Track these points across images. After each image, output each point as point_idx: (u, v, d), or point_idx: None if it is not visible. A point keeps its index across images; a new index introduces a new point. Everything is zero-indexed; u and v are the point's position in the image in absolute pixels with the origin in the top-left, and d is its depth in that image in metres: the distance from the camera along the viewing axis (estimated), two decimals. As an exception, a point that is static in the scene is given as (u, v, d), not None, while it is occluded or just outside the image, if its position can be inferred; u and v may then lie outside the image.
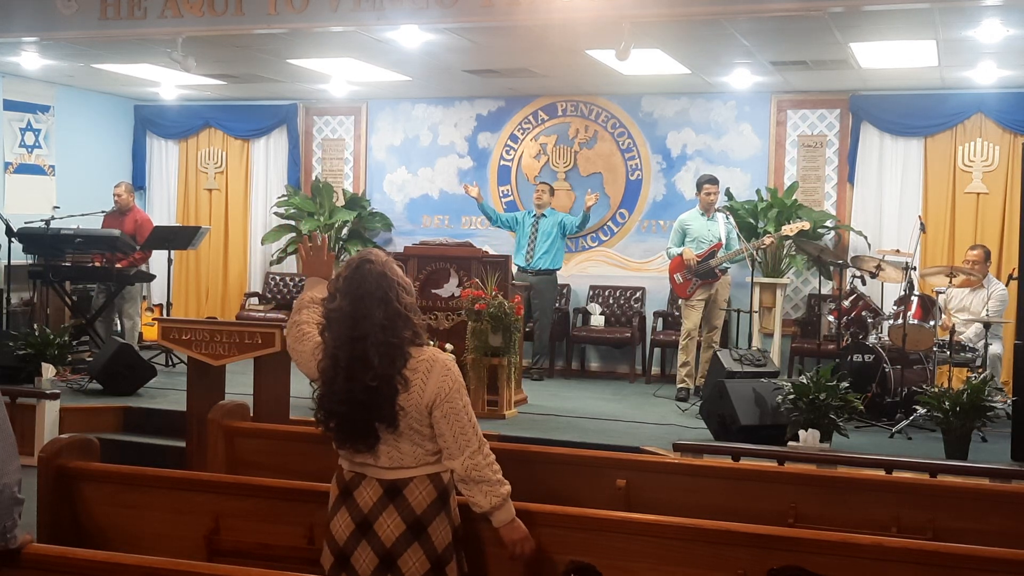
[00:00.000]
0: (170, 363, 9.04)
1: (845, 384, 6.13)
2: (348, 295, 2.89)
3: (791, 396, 6.06)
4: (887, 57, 7.99)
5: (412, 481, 2.90)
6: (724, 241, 8.27)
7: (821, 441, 5.88)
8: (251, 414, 4.78)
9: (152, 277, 9.69)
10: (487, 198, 10.54)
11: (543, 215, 9.28)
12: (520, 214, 9.54)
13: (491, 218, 9.39)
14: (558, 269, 9.34)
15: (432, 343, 7.25)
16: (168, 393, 7.79)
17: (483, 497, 2.92)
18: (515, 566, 3.03)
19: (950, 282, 7.57)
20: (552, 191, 9.55)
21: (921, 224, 8.32)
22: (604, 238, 10.30)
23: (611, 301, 10.08)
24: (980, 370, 7.35)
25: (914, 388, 6.98)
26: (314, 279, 3.29)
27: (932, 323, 7.41)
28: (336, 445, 2.95)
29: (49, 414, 6.99)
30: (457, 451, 2.90)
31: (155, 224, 9.83)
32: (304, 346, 3.09)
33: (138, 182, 11.59)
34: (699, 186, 8.50)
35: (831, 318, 8.00)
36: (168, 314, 10.06)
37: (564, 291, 10.20)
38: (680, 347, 8.37)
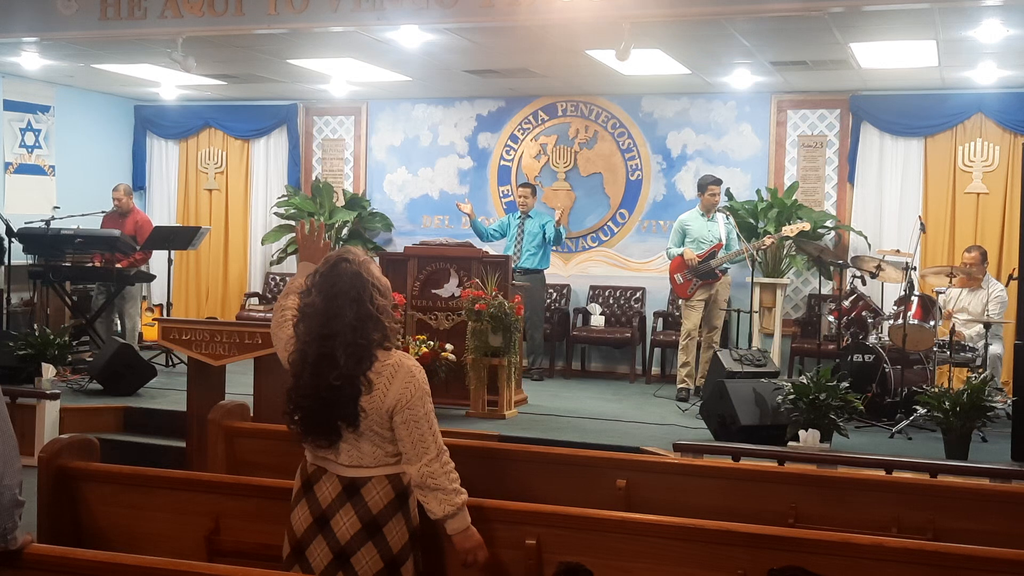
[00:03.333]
0: (170, 363, 9.04)
1: (845, 384, 6.13)
2: (322, 292, 2.91)
3: (791, 396, 6.06)
4: (887, 57, 7.99)
5: (370, 480, 2.91)
6: (724, 241, 8.27)
7: (821, 441, 5.88)
8: (251, 414, 4.78)
9: (152, 277, 9.69)
10: (487, 199, 10.57)
11: (528, 216, 9.29)
12: (506, 218, 9.54)
13: (482, 234, 9.31)
14: (546, 268, 9.33)
15: (432, 344, 7.26)
16: (168, 393, 7.79)
17: (437, 505, 2.93)
18: (472, 569, 3.03)
19: (950, 282, 7.57)
20: (535, 192, 9.54)
21: (921, 224, 8.32)
22: (604, 238, 10.30)
23: (611, 301, 10.08)
24: (980, 370, 7.36)
25: (914, 388, 6.98)
26: (306, 264, 3.28)
27: (932, 323, 7.41)
28: (299, 439, 2.98)
29: (49, 414, 7.00)
30: (415, 457, 2.90)
31: (155, 224, 9.83)
32: (282, 333, 3.13)
33: (138, 182, 11.60)
34: (704, 187, 8.45)
35: (831, 318, 8.00)
36: (168, 314, 10.06)
37: (564, 291, 10.21)
38: (680, 347, 8.37)
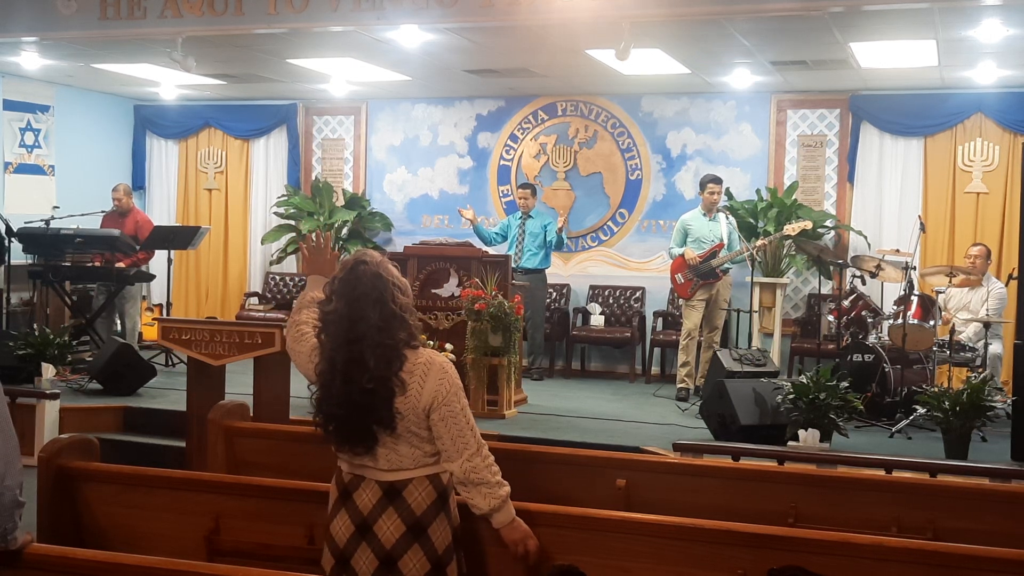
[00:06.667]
0: (170, 363, 9.04)
1: (845, 384, 6.13)
2: (344, 297, 2.88)
3: (791, 396, 6.06)
4: (887, 57, 7.99)
5: (411, 482, 2.89)
6: (726, 241, 8.27)
7: (821, 441, 5.88)
8: (251, 414, 4.78)
9: (152, 277, 9.68)
10: (487, 199, 10.57)
11: (529, 216, 9.30)
12: (507, 219, 9.54)
13: (485, 239, 9.25)
14: (547, 268, 9.33)
15: (432, 344, 7.27)
16: (168, 393, 7.78)
17: (482, 499, 2.91)
18: (516, 566, 3.02)
19: (950, 282, 7.57)
20: (535, 192, 9.55)
21: (921, 224, 8.32)
22: (604, 238, 10.31)
23: (611, 301, 10.08)
24: (980, 370, 7.35)
25: (914, 388, 6.98)
26: (316, 278, 3.27)
27: (932, 323, 7.41)
28: (335, 448, 2.95)
29: (49, 414, 6.99)
30: (455, 453, 2.89)
31: (155, 224, 9.83)
32: (302, 347, 3.08)
33: (138, 182, 11.60)
34: (703, 185, 8.48)
35: (831, 318, 8.00)
36: (168, 314, 10.06)
37: (564, 291, 10.21)
38: (680, 347, 8.37)
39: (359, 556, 2.87)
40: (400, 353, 2.87)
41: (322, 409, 2.91)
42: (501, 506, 2.93)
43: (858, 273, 7.92)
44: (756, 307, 8.99)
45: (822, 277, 8.77)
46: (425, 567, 2.85)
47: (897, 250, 8.27)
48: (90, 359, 8.50)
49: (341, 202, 10.84)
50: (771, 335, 9.29)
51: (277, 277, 11.09)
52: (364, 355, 2.83)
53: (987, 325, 7.48)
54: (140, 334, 9.73)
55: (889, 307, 8.01)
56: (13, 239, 8.83)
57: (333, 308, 2.89)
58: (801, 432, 5.91)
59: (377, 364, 2.83)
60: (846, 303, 7.87)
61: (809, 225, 8.52)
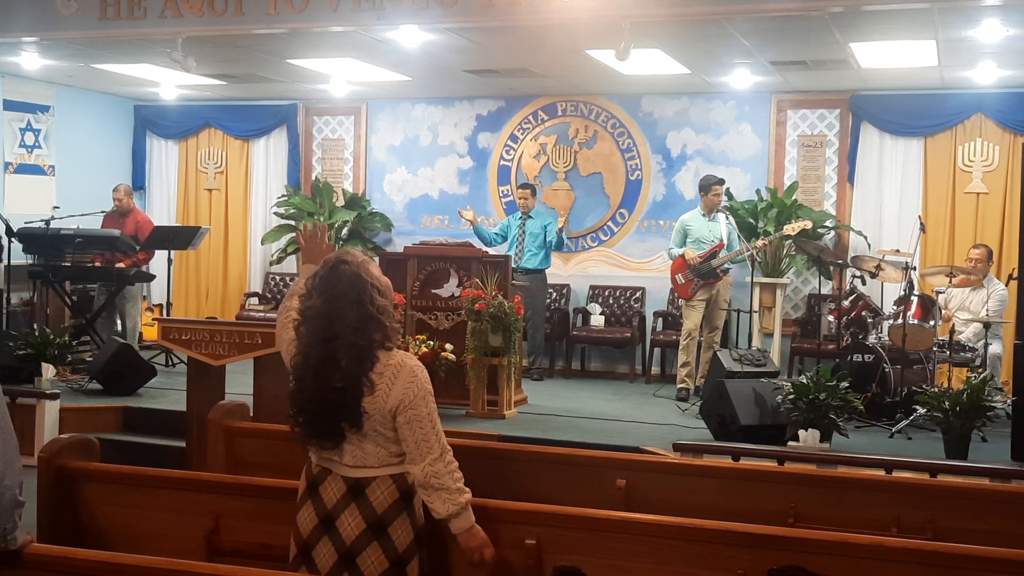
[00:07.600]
0: (170, 363, 9.04)
1: (845, 384, 6.13)
2: (323, 294, 2.91)
3: (791, 396, 6.06)
4: (887, 57, 8.00)
5: (375, 480, 2.91)
6: (726, 241, 8.27)
7: (821, 441, 5.88)
8: (251, 414, 4.78)
9: (152, 277, 9.68)
10: (487, 199, 10.57)
11: (530, 216, 9.30)
12: (507, 220, 9.53)
13: (486, 240, 9.23)
14: (547, 268, 9.33)
15: (432, 343, 7.26)
16: (168, 393, 7.78)
17: (441, 504, 2.93)
18: (481, 569, 3.03)
19: (950, 282, 7.57)
20: (535, 192, 9.55)
21: (921, 224, 8.32)
22: (604, 238, 10.30)
23: (611, 301, 10.09)
24: (980, 370, 7.36)
25: (914, 388, 6.98)
26: (309, 267, 3.29)
27: (932, 323, 7.41)
28: (303, 441, 2.98)
29: (49, 414, 6.99)
30: (418, 457, 2.91)
31: (155, 224, 9.83)
32: (286, 335, 3.15)
33: (138, 182, 11.60)
34: (708, 188, 8.42)
35: (831, 318, 8.00)
36: (168, 314, 10.06)
37: (564, 291, 10.21)
38: (681, 347, 8.37)
39: (320, 549, 2.91)
40: (373, 354, 2.89)
41: (294, 402, 2.96)
42: (460, 512, 2.94)
43: (858, 273, 7.92)
44: (756, 307, 8.99)
45: (822, 277, 8.77)
46: (383, 565, 2.88)
47: (897, 250, 8.27)
48: (90, 359, 8.50)
49: (341, 202, 10.85)
50: (771, 335, 9.29)
51: (277, 277, 11.09)
52: (337, 354, 2.86)
53: (987, 325, 7.48)
54: (140, 334, 9.73)
55: (889, 307, 8.01)
56: (13, 239, 8.83)
57: (312, 304, 2.93)
58: (801, 432, 5.92)
59: (349, 364, 2.86)
60: (846, 303, 7.87)
61: (809, 225, 8.52)
